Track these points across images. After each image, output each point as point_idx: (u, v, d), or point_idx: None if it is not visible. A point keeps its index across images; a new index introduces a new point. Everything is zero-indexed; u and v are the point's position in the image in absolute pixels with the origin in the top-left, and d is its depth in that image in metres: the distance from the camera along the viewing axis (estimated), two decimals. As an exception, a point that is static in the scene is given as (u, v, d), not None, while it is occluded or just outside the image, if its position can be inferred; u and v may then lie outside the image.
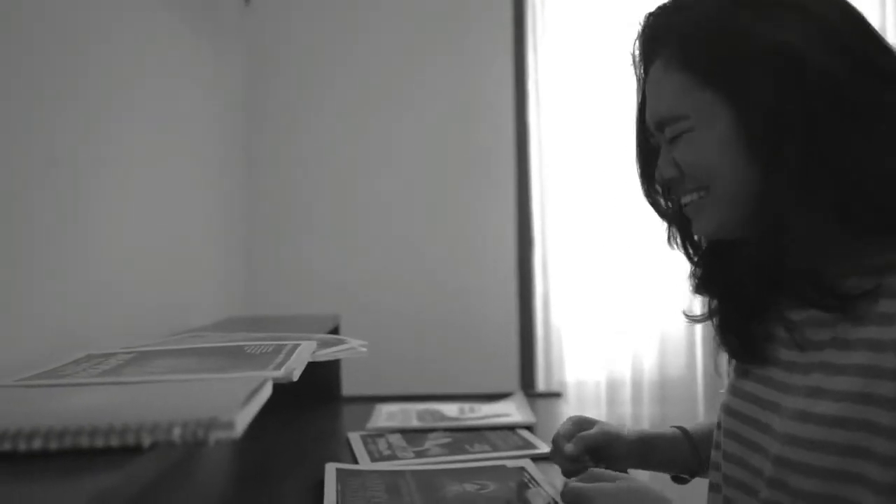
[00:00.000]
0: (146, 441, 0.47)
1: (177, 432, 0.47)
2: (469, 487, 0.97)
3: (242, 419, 0.50)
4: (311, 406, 1.50)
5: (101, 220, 1.10)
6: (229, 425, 0.48)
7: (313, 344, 0.91)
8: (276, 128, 2.13)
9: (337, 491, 0.96)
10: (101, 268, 1.09)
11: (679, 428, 0.98)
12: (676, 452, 0.96)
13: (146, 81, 1.29)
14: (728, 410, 0.82)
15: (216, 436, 0.47)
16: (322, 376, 1.57)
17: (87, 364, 0.77)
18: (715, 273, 0.83)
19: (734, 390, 0.82)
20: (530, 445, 1.18)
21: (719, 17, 0.73)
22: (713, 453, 0.85)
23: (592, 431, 0.93)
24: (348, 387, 1.69)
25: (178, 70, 1.47)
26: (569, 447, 0.91)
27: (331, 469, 1.03)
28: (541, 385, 2.14)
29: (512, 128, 2.16)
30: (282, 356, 0.81)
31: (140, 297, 1.23)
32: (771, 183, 0.69)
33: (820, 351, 0.71)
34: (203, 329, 1.31)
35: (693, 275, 0.86)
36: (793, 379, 0.73)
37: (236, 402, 0.51)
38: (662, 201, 0.86)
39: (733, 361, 0.84)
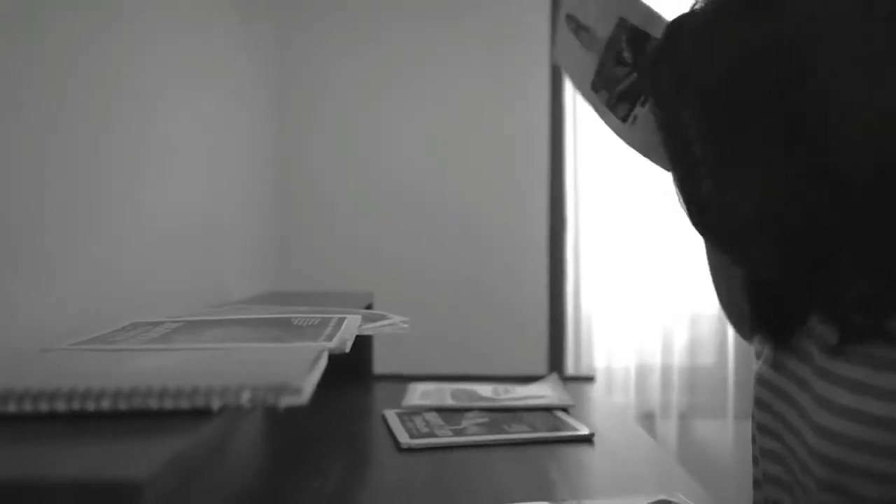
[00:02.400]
0: (216, 404, 0.46)
1: (246, 396, 0.46)
2: None
3: (309, 385, 0.49)
4: (343, 383, 1.50)
5: (142, 194, 1.10)
6: (299, 391, 0.47)
7: (359, 318, 0.90)
8: (310, 105, 2.11)
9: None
10: (140, 240, 1.09)
11: None
12: None
13: (180, 58, 1.28)
14: (760, 380, 0.78)
15: (286, 401, 0.46)
16: (355, 354, 1.56)
17: (135, 331, 0.76)
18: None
19: (771, 361, 0.77)
20: (569, 427, 1.16)
21: None
22: (752, 447, 0.81)
23: None
24: (377, 366, 1.68)
25: (211, 46, 1.46)
26: None
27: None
28: (570, 370, 2.12)
29: (547, 109, 2.13)
30: (330, 328, 0.80)
31: (177, 271, 1.22)
32: None
33: (864, 343, 0.65)
34: (242, 302, 1.31)
35: None
36: (833, 366, 0.67)
37: (303, 368, 0.50)
38: None
39: (765, 354, 0.79)
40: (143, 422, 0.45)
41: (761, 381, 0.78)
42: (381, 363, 1.70)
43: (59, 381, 0.46)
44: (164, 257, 1.17)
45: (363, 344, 1.62)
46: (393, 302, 1.73)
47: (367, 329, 0.90)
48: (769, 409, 0.76)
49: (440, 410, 1.26)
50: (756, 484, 0.81)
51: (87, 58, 0.93)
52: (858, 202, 0.59)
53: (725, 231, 0.69)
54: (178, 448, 0.42)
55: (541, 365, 2.08)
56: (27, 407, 0.45)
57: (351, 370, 1.57)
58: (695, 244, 2.04)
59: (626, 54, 0.75)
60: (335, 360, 0.88)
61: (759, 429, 0.78)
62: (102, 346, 0.67)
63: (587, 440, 1.11)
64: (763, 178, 0.61)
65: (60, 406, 0.44)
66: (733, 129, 0.62)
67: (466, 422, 1.20)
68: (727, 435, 2.14)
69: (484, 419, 1.21)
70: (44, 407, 0.45)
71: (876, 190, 0.58)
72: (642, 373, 2.18)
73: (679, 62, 0.64)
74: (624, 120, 0.78)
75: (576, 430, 1.14)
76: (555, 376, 1.55)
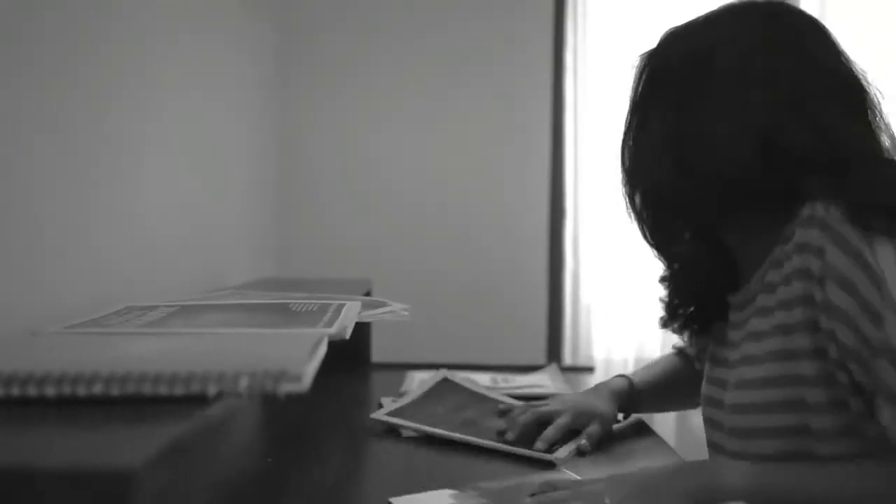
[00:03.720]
0: (212, 391, 0.44)
1: (244, 383, 0.44)
2: None
3: (309, 373, 0.48)
4: (341, 372, 1.48)
5: (141, 177, 1.08)
6: (298, 378, 0.45)
7: (358, 304, 0.88)
8: (310, 92, 2.09)
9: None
10: (138, 224, 1.07)
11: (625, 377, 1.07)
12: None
13: (183, 40, 1.25)
14: (703, 398, 0.88)
15: (285, 388, 0.44)
16: (353, 341, 1.54)
17: (130, 315, 0.74)
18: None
19: (707, 378, 0.88)
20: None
21: None
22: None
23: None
24: (375, 354, 1.67)
25: (213, 30, 1.43)
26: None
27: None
28: (567, 360, 2.11)
29: (549, 99, 2.11)
30: (329, 314, 0.78)
31: (174, 256, 1.21)
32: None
33: (747, 322, 0.79)
34: (240, 287, 1.29)
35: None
36: (733, 354, 0.81)
37: (303, 354, 0.49)
38: None
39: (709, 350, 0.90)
40: (137, 408, 0.43)
41: (703, 398, 0.89)
42: (379, 352, 1.69)
43: (50, 365, 0.44)
44: (163, 242, 1.15)
45: (361, 332, 1.61)
46: (391, 290, 1.71)
47: (367, 316, 0.88)
48: (710, 421, 0.87)
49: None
50: None
51: (89, 47, 0.91)
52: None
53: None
54: (173, 435, 0.41)
55: (539, 355, 2.07)
56: (15, 391, 0.43)
57: (349, 358, 1.55)
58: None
59: None
60: (333, 347, 0.86)
61: (708, 442, 0.88)
62: (96, 330, 0.65)
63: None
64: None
65: (50, 391, 0.43)
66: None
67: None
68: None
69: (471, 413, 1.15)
70: (32, 392, 0.43)
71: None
72: (640, 364, 2.16)
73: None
74: None
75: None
76: (554, 366, 1.54)
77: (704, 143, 0.77)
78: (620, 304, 2.18)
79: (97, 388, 0.43)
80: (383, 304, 0.96)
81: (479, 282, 2.10)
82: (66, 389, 0.43)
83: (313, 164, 2.10)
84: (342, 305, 0.85)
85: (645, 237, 0.89)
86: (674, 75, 0.82)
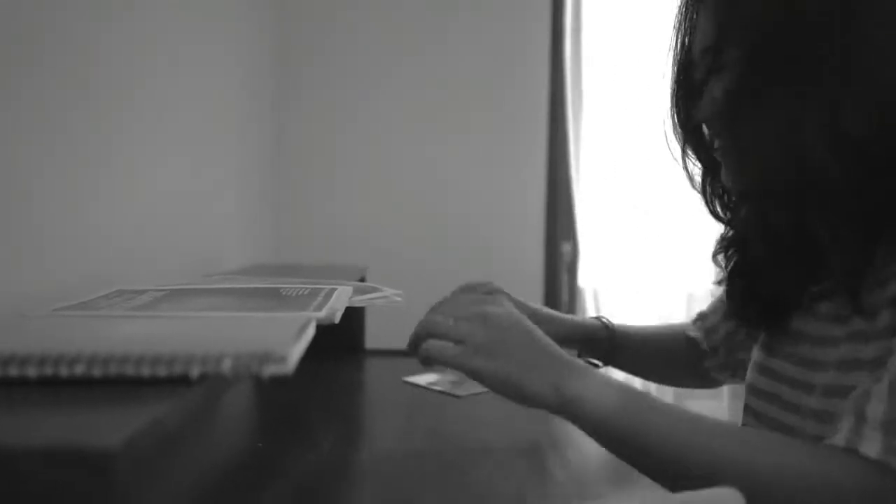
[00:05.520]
0: (195, 372, 0.44)
1: (227, 364, 0.44)
2: None
3: (295, 354, 0.47)
4: (335, 358, 1.48)
5: (133, 161, 1.07)
6: (283, 360, 0.45)
7: (349, 289, 0.88)
8: (304, 77, 2.08)
9: None
10: (131, 208, 1.06)
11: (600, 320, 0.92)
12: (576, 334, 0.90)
13: (175, 24, 1.24)
14: (752, 389, 0.75)
15: (270, 370, 0.44)
16: (347, 328, 1.54)
17: (119, 299, 0.74)
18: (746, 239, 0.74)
19: (760, 368, 0.74)
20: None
21: None
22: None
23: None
24: (369, 341, 1.67)
25: (206, 15, 1.42)
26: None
27: None
28: (563, 347, 2.10)
29: (546, 83, 2.10)
30: (320, 299, 0.78)
31: (167, 241, 1.20)
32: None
33: (849, 321, 0.62)
34: (232, 273, 1.29)
35: (723, 236, 0.78)
36: (825, 354, 0.65)
37: (289, 336, 0.48)
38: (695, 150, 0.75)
39: (761, 338, 0.75)
40: (120, 389, 0.43)
41: (752, 389, 0.75)
42: (374, 339, 1.69)
43: (33, 346, 0.44)
44: (156, 227, 1.15)
45: (356, 318, 1.61)
46: (386, 276, 1.71)
47: (358, 301, 0.88)
48: (761, 416, 0.73)
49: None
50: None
51: (80, 31, 0.90)
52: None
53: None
54: (154, 416, 0.40)
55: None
56: (-3, 372, 0.43)
57: (344, 345, 1.55)
58: (691, 219, 2.02)
59: None
60: (326, 333, 0.86)
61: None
62: (83, 313, 0.65)
63: None
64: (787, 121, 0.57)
65: (31, 371, 0.42)
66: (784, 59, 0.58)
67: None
68: (722, 415, 2.13)
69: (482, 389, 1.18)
70: (14, 372, 0.43)
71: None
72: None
73: None
74: None
75: None
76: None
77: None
78: (617, 287, 2.18)
79: (79, 369, 0.43)
80: (376, 290, 0.95)
81: (475, 269, 2.09)
82: (48, 370, 0.43)
83: (310, 150, 2.09)
84: (333, 290, 0.85)
85: (715, 215, 0.75)
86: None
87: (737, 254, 0.76)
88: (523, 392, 0.61)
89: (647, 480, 0.59)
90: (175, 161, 1.24)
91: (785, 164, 0.59)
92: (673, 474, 0.58)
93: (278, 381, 0.50)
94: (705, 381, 0.94)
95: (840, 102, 0.56)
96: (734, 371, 0.91)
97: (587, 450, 0.95)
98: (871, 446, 0.54)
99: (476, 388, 0.97)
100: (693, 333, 0.93)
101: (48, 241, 0.85)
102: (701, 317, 0.94)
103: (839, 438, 0.56)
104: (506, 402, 0.63)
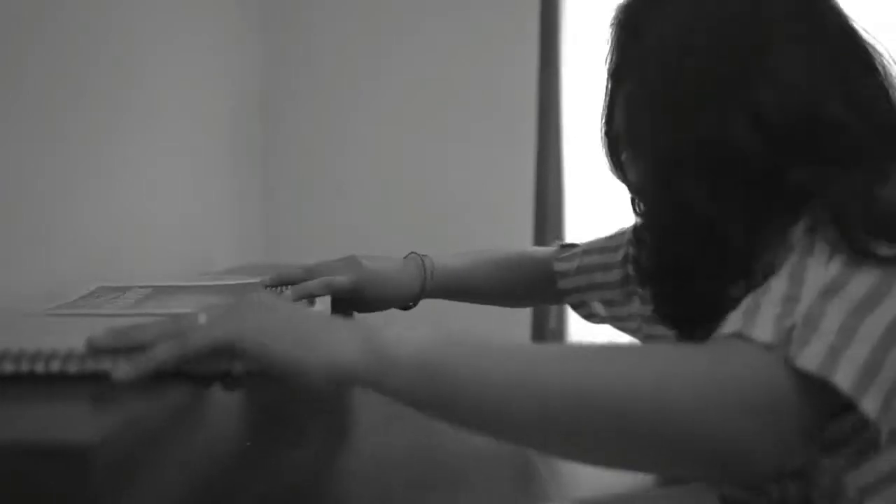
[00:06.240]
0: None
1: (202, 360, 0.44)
2: None
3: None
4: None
5: (123, 161, 1.07)
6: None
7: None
8: (293, 77, 2.08)
9: None
10: (121, 207, 1.07)
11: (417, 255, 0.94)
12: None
13: (164, 20, 1.25)
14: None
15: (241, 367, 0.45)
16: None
17: (103, 298, 0.74)
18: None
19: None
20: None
21: None
22: None
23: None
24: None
25: (195, 10, 1.42)
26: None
27: None
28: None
29: (535, 84, 2.11)
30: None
31: (157, 241, 1.20)
32: None
33: None
34: (220, 272, 1.29)
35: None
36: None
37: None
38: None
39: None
40: (100, 386, 0.43)
41: None
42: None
43: (8, 343, 0.44)
44: (146, 226, 1.15)
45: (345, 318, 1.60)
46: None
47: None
48: None
49: None
50: None
51: (68, 27, 0.90)
52: None
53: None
54: (133, 413, 0.41)
55: (524, 338, 2.08)
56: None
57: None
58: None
59: None
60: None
61: None
62: (76, 311, 0.65)
63: None
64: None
65: (7, 367, 0.43)
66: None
67: None
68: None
69: None
70: (8, 368, 0.43)
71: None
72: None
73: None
74: None
75: None
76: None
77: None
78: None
79: (55, 366, 0.43)
80: None
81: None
82: (24, 367, 0.43)
83: (299, 150, 2.09)
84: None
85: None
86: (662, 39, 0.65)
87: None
88: (316, 360, 0.47)
89: (629, 482, 0.57)
90: (165, 161, 1.24)
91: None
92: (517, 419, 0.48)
93: (267, 381, 0.50)
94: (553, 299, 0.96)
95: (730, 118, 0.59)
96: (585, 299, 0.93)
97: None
98: (765, 331, 0.47)
99: None
100: (561, 266, 0.95)
101: (35, 242, 0.85)
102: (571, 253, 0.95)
103: (727, 327, 0.50)
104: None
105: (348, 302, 0.87)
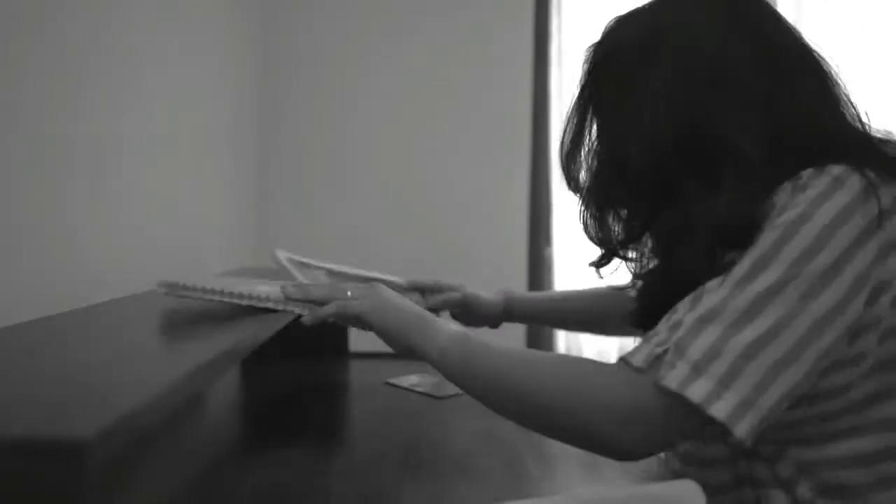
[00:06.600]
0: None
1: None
2: None
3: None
4: (318, 359, 1.49)
5: (119, 165, 1.07)
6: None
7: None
8: (288, 79, 2.09)
9: None
10: (115, 211, 1.07)
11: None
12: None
13: (160, 24, 1.25)
14: None
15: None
16: (329, 330, 1.55)
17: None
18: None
19: None
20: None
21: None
22: None
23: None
24: (353, 343, 1.67)
25: (191, 13, 1.43)
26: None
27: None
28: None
29: (529, 86, 2.12)
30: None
31: (151, 243, 1.21)
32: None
33: None
34: (215, 275, 1.29)
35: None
36: None
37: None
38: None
39: None
40: (96, 381, 0.44)
41: None
42: (358, 342, 1.69)
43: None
44: (139, 229, 1.15)
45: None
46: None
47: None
48: None
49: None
50: None
51: (62, 30, 0.90)
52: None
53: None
54: (127, 409, 0.41)
55: (518, 343, 2.08)
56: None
57: (328, 346, 1.56)
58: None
59: None
60: (310, 334, 0.87)
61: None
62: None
63: None
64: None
65: (235, 301, 0.75)
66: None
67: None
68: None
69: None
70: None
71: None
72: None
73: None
74: None
75: None
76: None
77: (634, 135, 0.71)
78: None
79: (267, 304, 0.73)
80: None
81: (459, 271, 2.10)
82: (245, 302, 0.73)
83: (294, 153, 2.09)
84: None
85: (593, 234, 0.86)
86: (617, 65, 0.76)
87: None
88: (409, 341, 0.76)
89: (615, 475, 0.62)
90: (161, 163, 1.24)
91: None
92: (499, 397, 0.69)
93: (262, 380, 0.51)
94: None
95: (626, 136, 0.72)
96: None
97: (562, 447, 0.96)
98: (639, 358, 0.61)
99: (455, 389, 1.02)
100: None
101: (27, 250, 0.86)
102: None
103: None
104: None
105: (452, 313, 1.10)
